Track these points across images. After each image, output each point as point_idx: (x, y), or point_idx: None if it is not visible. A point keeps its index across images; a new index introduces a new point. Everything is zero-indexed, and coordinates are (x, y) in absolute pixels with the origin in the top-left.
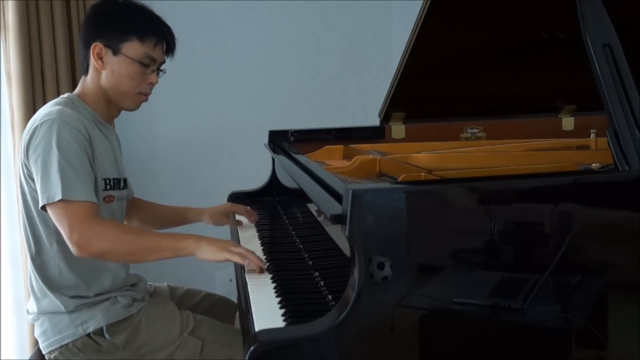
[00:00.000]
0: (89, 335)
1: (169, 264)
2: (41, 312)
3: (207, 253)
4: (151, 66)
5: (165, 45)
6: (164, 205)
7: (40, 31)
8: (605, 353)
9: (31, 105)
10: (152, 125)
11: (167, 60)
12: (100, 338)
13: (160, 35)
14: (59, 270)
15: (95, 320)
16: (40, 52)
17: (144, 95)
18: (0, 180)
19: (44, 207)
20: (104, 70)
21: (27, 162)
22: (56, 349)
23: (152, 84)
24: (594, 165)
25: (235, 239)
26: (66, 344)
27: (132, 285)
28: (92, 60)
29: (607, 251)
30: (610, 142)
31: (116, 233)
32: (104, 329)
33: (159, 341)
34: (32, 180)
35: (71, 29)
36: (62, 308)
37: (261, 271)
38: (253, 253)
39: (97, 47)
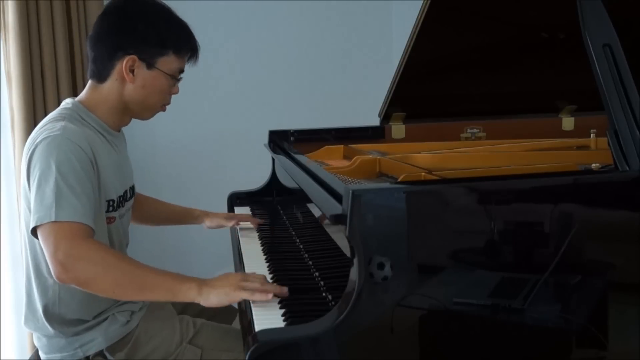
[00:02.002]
0: (88, 357)
1: (170, 262)
2: (36, 332)
3: (217, 299)
4: (179, 78)
5: (194, 56)
6: (164, 203)
7: (40, 31)
8: (605, 353)
9: (31, 105)
10: (152, 125)
11: (188, 67)
12: (100, 358)
13: (194, 49)
14: (58, 297)
15: (94, 343)
16: (40, 52)
17: (165, 107)
18: (0, 180)
19: (34, 232)
20: (132, 83)
21: (27, 184)
22: None
23: (175, 94)
24: (594, 165)
25: (236, 242)
26: None
27: None
28: (120, 71)
29: (607, 251)
30: (610, 142)
31: (108, 258)
32: (104, 349)
33: (158, 353)
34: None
35: (71, 29)
36: (59, 334)
37: (282, 293)
38: (264, 281)
39: (131, 59)
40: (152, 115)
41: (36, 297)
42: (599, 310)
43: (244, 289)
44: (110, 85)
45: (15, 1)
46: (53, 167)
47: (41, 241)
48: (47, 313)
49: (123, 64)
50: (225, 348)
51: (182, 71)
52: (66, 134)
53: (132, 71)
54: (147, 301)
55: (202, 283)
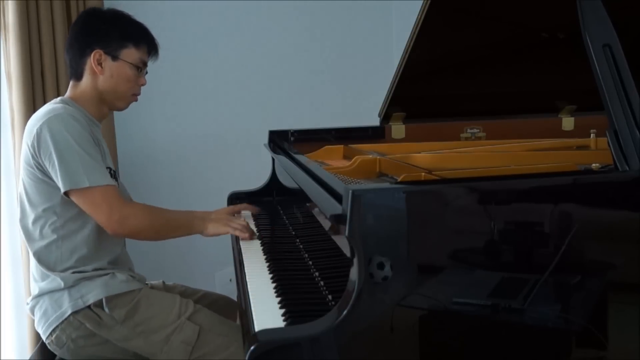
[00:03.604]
0: (89, 307)
1: (169, 263)
2: (41, 293)
3: (211, 230)
4: (143, 70)
5: (153, 50)
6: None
7: (40, 31)
8: (605, 353)
9: (31, 105)
10: (152, 126)
11: (151, 63)
12: (100, 310)
13: (151, 42)
14: (61, 254)
15: (94, 292)
16: (40, 52)
17: (136, 96)
18: (0, 180)
19: (66, 194)
20: (102, 75)
21: (35, 154)
22: (57, 326)
23: (143, 85)
24: (594, 165)
25: (236, 244)
26: (67, 318)
27: (129, 268)
28: (91, 66)
29: (607, 251)
30: (610, 142)
31: (148, 212)
32: (104, 301)
33: (157, 321)
34: (40, 170)
35: None
36: (61, 284)
37: (251, 237)
38: (247, 225)
39: (97, 54)
40: (126, 105)
41: (37, 259)
42: (599, 310)
43: (230, 226)
44: (86, 80)
45: (15, 1)
46: (70, 138)
47: (86, 204)
48: (50, 266)
49: (92, 59)
50: (223, 333)
51: (145, 64)
52: (69, 112)
53: (100, 64)
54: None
55: (203, 219)
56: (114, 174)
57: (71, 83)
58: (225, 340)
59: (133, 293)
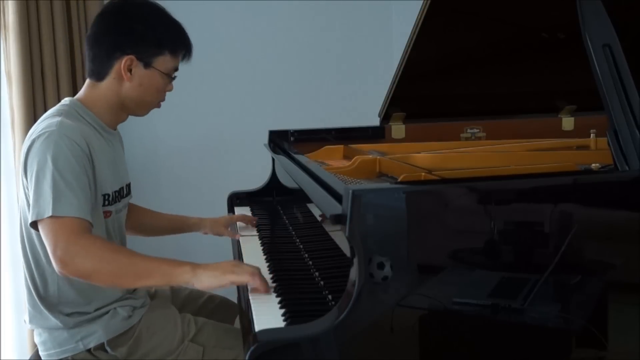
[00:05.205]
0: (89, 351)
1: None
2: (39, 327)
3: (208, 280)
4: (173, 77)
5: (188, 55)
6: (160, 213)
7: (40, 31)
8: (605, 353)
9: (31, 105)
10: (153, 125)
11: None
12: (101, 352)
13: (188, 48)
14: (58, 287)
15: (95, 335)
16: (40, 52)
17: (160, 103)
18: (0, 180)
19: (34, 224)
20: (129, 82)
21: (24, 177)
22: None
23: (169, 91)
24: (594, 165)
25: (236, 244)
26: (66, 358)
27: (132, 292)
28: (118, 70)
29: (607, 251)
30: (610, 142)
31: (104, 252)
32: (105, 343)
33: (160, 351)
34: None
35: (71, 29)
36: (60, 325)
37: (267, 291)
38: (258, 271)
39: (129, 60)
40: (148, 112)
41: (39, 287)
42: (599, 310)
43: (234, 273)
44: (108, 83)
45: (15, 1)
46: (50, 162)
47: (42, 236)
48: (48, 303)
49: (122, 64)
50: (227, 346)
51: (176, 69)
52: (62, 130)
53: (130, 70)
54: (145, 288)
55: (195, 266)
56: (115, 197)
57: (88, 81)
58: (232, 353)
59: (133, 327)
